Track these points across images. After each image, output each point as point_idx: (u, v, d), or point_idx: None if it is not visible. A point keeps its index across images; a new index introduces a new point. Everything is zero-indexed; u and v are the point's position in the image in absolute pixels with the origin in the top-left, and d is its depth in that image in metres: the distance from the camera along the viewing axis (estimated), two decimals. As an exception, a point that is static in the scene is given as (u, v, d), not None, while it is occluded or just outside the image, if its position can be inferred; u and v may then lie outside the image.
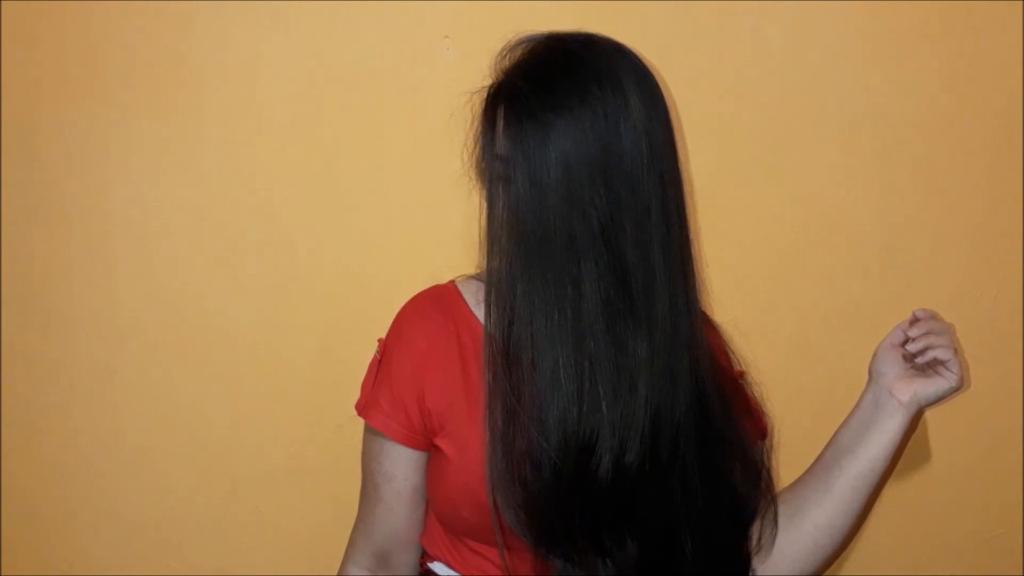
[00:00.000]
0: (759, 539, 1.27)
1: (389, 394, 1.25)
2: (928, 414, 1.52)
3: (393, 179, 1.46)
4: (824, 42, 1.45)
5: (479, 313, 1.24)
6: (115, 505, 1.53)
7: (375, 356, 1.29)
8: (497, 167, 1.18)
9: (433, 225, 1.47)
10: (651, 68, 1.20)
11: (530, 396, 1.16)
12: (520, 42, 1.21)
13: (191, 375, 1.51)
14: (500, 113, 1.17)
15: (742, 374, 1.34)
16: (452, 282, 1.30)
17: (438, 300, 1.27)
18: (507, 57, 1.21)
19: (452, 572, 1.28)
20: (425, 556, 1.31)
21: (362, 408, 1.28)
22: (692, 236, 1.22)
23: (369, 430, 1.28)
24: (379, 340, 1.29)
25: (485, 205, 1.20)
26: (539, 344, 1.15)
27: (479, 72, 1.24)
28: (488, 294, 1.19)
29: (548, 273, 1.14)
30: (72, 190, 1.46)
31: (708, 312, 1.34)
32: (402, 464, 1.26)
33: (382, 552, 1.30)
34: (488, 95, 1.20)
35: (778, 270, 1.50)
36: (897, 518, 1.53)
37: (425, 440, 1.25)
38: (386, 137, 1.45)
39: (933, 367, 1.30)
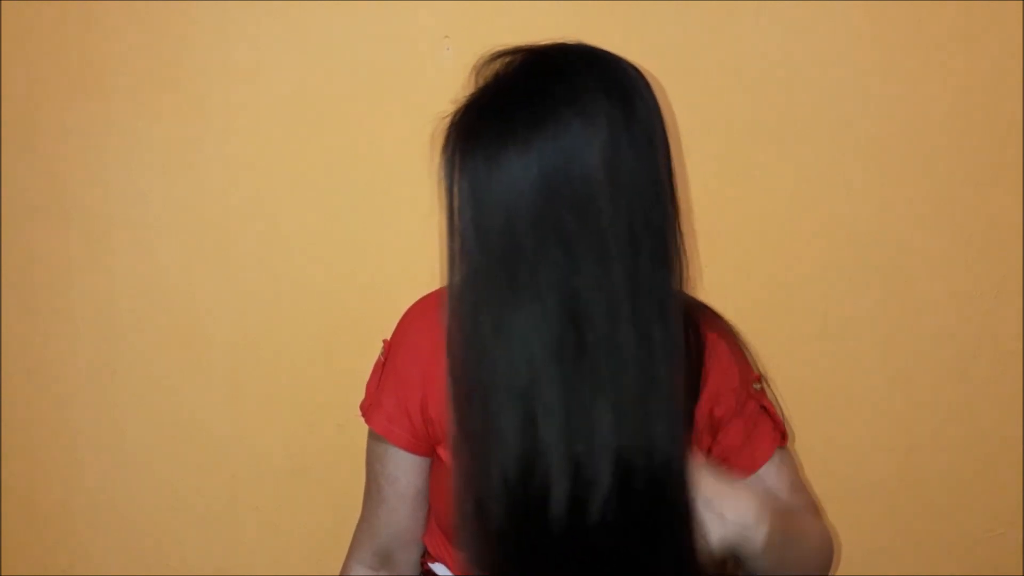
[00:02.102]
0: None
1: (392, 399, 1.24)
2: (927, 413, 1.52)
3: (394, 179, 1.46)
4: (824, 42, 1.45)
5: None
6: (115, 505, 1.53)
7: (379, 358, 1.29)
8: (451, 198, 1.10)
9: (433, 225, 1.47)
10: (641, 80, 1.11)
11: (478, 443, 1.09)
12: (493, 57, 1.13)
13: (192, 375, 1.51)
14: (455, 140, 1.10)
15: (760, 378, 1.28)
16: None
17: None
18: (481, 74, 1.12)
19: (451, 575, 1.28)
20: (427, 556, 1.31)
21: (365, 411, 1.27)
22: (678, 267, 1.11)
23: (372, 433, 1.28)
24: (384, 341, 1.29)
25: (445, 230, 1.12)
26: (486, 389, 1.07)
27: (479, 72, 1.23)
28: (449, 323, 1.12)
29: (494, 316, 1.06)
30: (73, 190, 1.46)
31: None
32: (405, 468, 1.25)
33: (385, 551, 1.29)
34: (451, 119, 1.12)
35: (777, 269, 1.49)
36: (897, 518, 1.53)
37: (428, 446, 1.24)
38: (387, 137, 1.44)
39: None
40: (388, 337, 1.29)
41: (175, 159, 1.46)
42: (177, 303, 1.49)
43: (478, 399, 1.08)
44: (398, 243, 1.47)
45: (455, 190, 1.09)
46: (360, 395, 1.31)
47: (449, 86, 1.34)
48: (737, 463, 1.25)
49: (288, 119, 1.45)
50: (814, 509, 1.30)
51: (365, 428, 1.29)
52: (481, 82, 1.12)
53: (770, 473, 1.26)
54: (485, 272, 1.06)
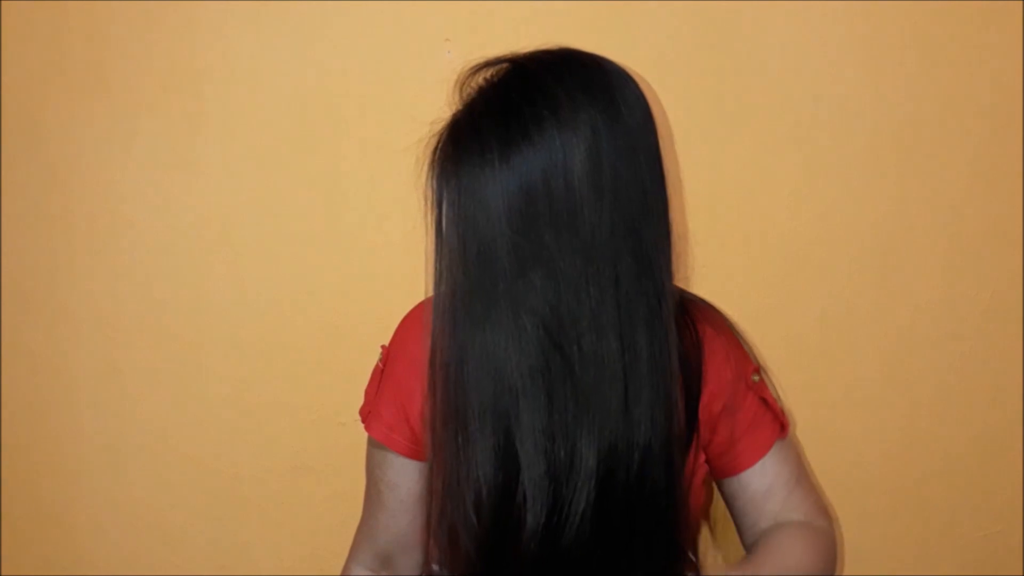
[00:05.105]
0: None
1: (391, 406, 1.24)
2: (927, 413, 1.52)
3: (395, 180, 1.45)
4: (824, 42, 1.45)
5: None
6: (118, 504, 1.53)
7: (378, 364, 1.29)
8: (436, 215, 1.10)
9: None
10: (627, 83, 1.10)
11: (452, 468, 1.10)
12: (475, 70, 1.13)
13: (193, 374, 1.51)
14: (438, 160, 1.10)
15: (758, 369, 1.27)
16: None
17: None
18: (464, 89, 1.13)
19: (453, 576, 1.28)
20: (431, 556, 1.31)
21: (365, 417, 1.28)
22: (667, 269, 1.10)
23: (372, 440, 1.28)
24: (382, 347, 1.29)
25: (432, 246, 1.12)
26: (464, 413, 1.07)
27: (480, 75, 1.23)
28: (432, 341, 1.12)
29: (473, 339, 1.06)
30: (76, 190, 1.46)
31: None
32: (405, 474, 1.25)
33: (385, 554, 1.29)
34: (437, 136, 1.12)
35: (776, 268, 1.49)
36: (897, 518, 1.53)
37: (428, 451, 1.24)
38: (388, 139, 1.44)
39: None
40: (386, 342, 1.29)
41: (176, 159, 1.46)
42: (179, 302, 1.49)
43: (454, 424, 1.08)
44: (399, 243, 1.47)
45: (438, 209, 1.09)
46: (363, 393, 1.31)
47: (450, 89, 1.35)
48: (736, 456, 1.25)
49: (289, 121, 1.44)
50: (815, 506, 1.29)
51: (367, 427, 1.30)
52: (464, 97, 1.12)
53: (770, 466, 1.26)
54: (466, 293, 1.06)
